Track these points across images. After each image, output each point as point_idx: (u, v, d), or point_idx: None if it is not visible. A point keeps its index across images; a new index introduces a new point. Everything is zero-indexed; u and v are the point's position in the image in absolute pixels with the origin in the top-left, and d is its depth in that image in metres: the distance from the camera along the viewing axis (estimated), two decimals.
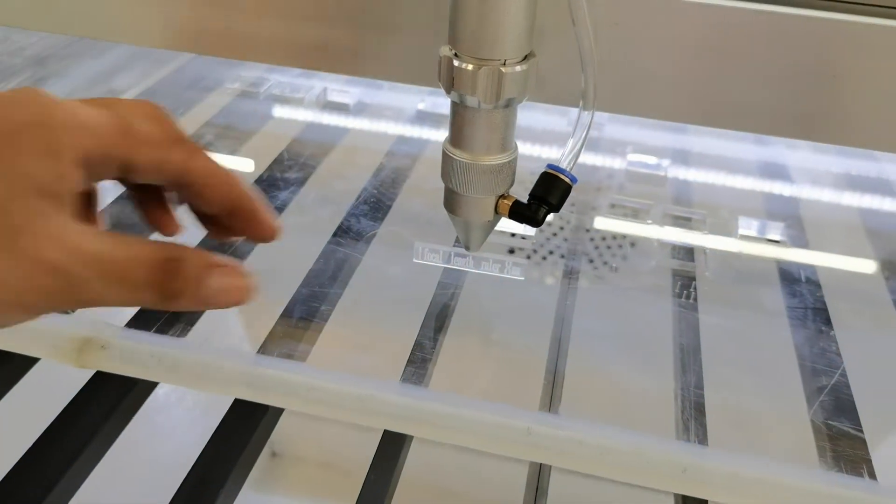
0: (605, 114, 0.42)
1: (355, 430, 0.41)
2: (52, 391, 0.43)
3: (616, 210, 0.62)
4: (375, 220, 0.58)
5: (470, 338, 0.48)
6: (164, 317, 0.47)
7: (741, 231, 0.60)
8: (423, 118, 0.77)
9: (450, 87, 0.32)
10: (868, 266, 0.59)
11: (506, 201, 0.36)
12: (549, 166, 0.35)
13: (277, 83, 0.81)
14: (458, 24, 0.31)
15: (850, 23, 0.32)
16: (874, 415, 0.42)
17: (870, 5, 0.32)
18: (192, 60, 0.85)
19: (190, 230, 0.30)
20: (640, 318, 0.51)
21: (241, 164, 0.67)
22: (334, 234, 0.57)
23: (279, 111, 0.77)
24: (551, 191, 0.35)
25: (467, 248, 0.39)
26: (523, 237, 0.57)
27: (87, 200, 0.28)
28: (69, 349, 0.44)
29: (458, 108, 0.34)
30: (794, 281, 0.55)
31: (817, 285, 0.54)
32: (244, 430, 0.41)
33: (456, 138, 0.35)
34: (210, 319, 0.47)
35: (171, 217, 0.30)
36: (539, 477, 0.40)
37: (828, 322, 0.50)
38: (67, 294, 0.23)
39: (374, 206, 0.60)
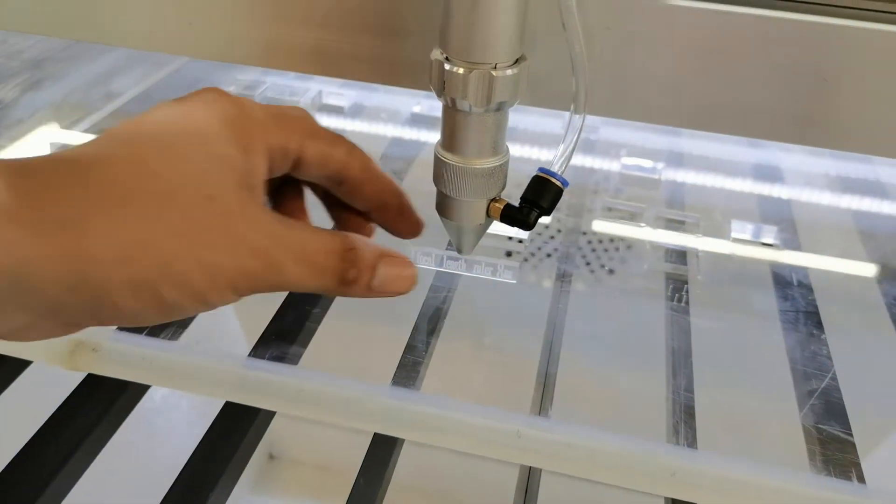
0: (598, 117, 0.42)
1: (352, 432, 0.41)
2: (44, 393, 0.43)
3: (610, 213, 0.62)
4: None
5: (462, 341, 0.48)
6: None
7: (734, 234, 0.61)
8: (417, 121, 0.77)
9: (441, 90, 0.32)
10: (860, 269, 0.59)
11: (497, 205, 0.36)
12: (541, 170, 0.35)
13: (273, 86, 0.81)
14: (449, 28, 0.31)
15: (843, 27, 0.32)
16: (864, 418, 0.43)
17: (862, 9, 0.32)
18: (188, 63, 0.85)
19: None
20: (633, 322, 0.51)
21: None
22: None
23: None
24: (542, 194, 0.35)
25: (459, 252, 0.39)
26: (520, 241, 0.58)
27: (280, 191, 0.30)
28: (61, 351, 0.44)
29: (449, 112, 0.34)
30: (787, 284, 0.55)
31: (809, 289, 0.54)
32: (235, 432, 0.41)
33: (447, 142, 0.35)
34: (202, 322, 0.47)
35: (363, 221, 0.32)
36: (529, 479, 0.40)
37: (819, 325, 0.50)
38: (267, 277, 0.24)
39: None
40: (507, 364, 0.47)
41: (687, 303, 0.52)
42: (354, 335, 0.49)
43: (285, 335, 0.47)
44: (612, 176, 0.69)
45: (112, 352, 0.44)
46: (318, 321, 0.49)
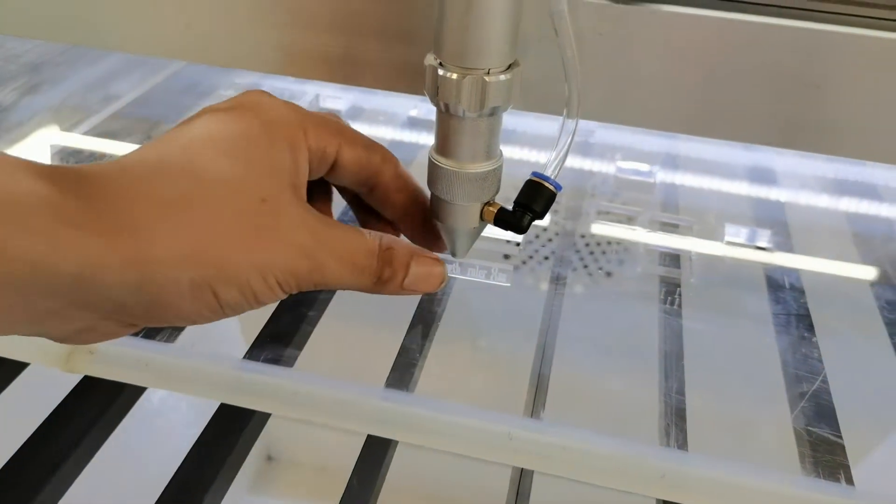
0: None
1: (351, 434, 0.41)
2: (41, 395, 0.43)
3: (604, 216, 0.63)
4: None
5: (456, 343, 0.49)
6: None
7: (728, 238, 0.61)
8: (415, 124, 0.78)
9: (434, 95, 0.33)
10: (853, 272, 0.59)
11: (491, 208, 0.36)
12: (534, 174, 0.35)
13: (271, 89, 0.81)
14: (443, 34, 0.31)
15: (834, 33, 0.33)
16: (854, 421, 0.43)
17: (853, 15, 0.33)
18: (186, 66, 0.86)
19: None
20: (626, 325, 0.51)
21: None
22: None
23: None
24: (535, 198, 0.35)
25: (453, 255, 0.39)
26: (518, 244, 0.58)
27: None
28: (57, 353, 0.44)
29: (443, 117, 0.34)
30: (779, 287, 0.55)
31: (801, 292, 0.54)
32: (230, 434, 0.41)
33: (441, 146, 0.35)
34: (198, 325, 0.47)
35: (390, 229, 0.33)
36: (520, 481, 0.40)
37: (811, 328, 0.50)
38: (311, 276, 0.25)
39: None
40: (501, 366, 0.48)
41: (679, 306, 0.52)
42: (350, 337, 0.49)
43: (281, 337, 0.47)
44: (608, 179, 0.69)
45: (108, 354, 0.44)
46: (314, 324, 0.49)
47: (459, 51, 0.31)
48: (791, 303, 0.53)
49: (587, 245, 0.59)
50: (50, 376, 0.43)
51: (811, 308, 0.52)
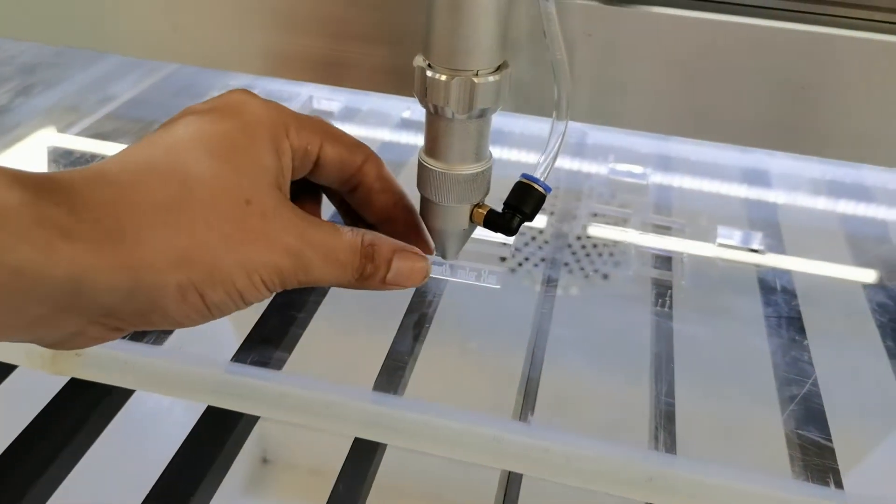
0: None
1: (347, 437, 0.41)
2: (26, 398, 0.43)
3: (597, 218, 0.63)
4: None
5: (446, 346, 0.48)
6: None
7: (720, 239, 0.61)
8: (407, 125, 0.78)
9: (423, 96, 0.33)
10: (845, 274, 0.59)
11: (480, 210, 0.36)
12: (524, 176, 0.35)
13: (264, 90, 0.81)
14: (431, 35, 0.31)
15: (823, 35, 0.33)
16: (844, 425, 0.43)
17: (842, 17, 0.33)
18: (181, 68, 0.86)
19: None
20: (617, 327, 0.51)
21: None
22: None
23: None
24: (525, 200, 0.35)
25: (443, 257, 0.39)
26: (506, 244, 0.58)
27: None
28: (43, 356, 0.43)
29: (432, 118, 0.34)
30: (771, 289, 0.55)
31: (793, 294, 0.54)
32: (217, 436, 0.40)
33: (430, 148, 0.35)
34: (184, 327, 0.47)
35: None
36: (508, 483, 0.40)
37: (802, 331, 0.50)
38: (296, 275, 0.26)
39: None
40: (491, 369, 0.48)
41: (670, 308, 0.52)
42: (339, 340, 0.49)
43: (270, 340, 0.47)
44: (601, 181, 0.69)
45: (95, 356, 0.44)
46: (304, 326, 0.49)
47: (448, 52, 0.31)
48: (783, 305, 0.53)
49: (583, 247, 0.59)
50: (36, 379, 0.43)
51: (803, 310, 0.52)
